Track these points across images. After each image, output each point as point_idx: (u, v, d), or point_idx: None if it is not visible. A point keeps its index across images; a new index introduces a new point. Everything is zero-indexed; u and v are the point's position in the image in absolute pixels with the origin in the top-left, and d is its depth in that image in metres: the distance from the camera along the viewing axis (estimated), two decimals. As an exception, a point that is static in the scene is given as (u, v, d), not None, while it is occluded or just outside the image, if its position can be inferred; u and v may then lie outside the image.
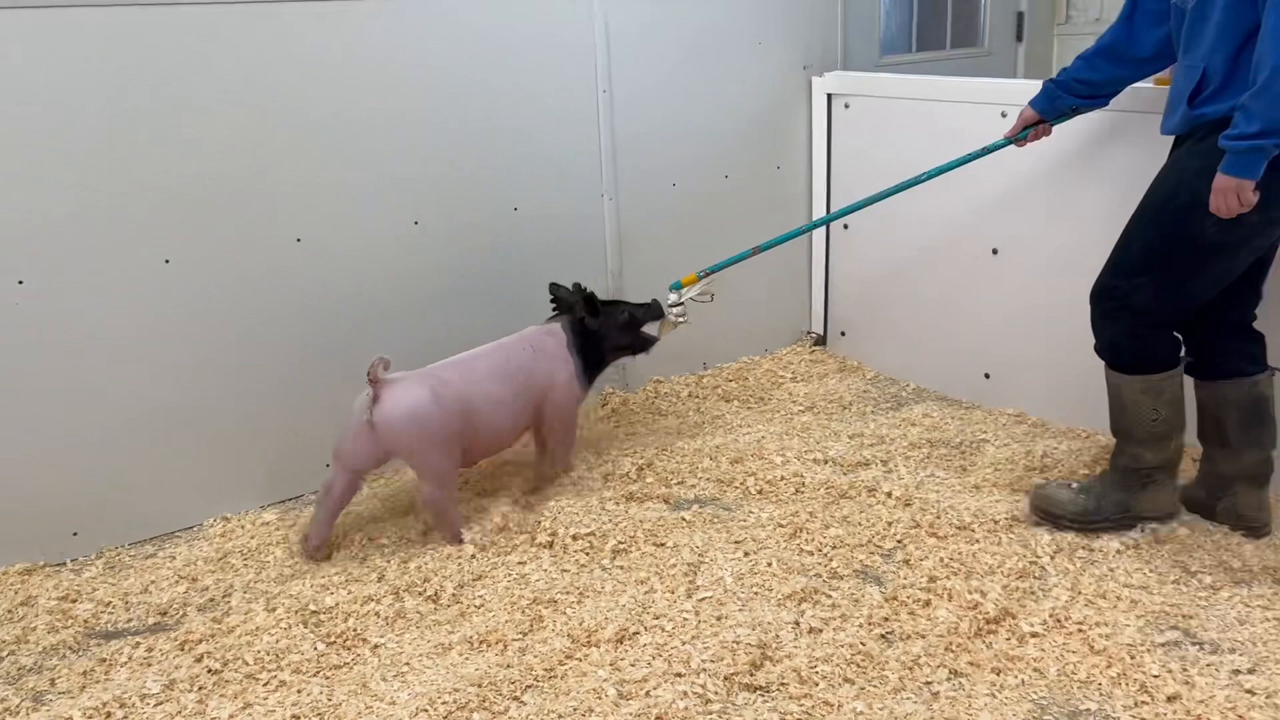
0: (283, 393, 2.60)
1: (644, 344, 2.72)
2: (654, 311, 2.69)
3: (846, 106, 3.30)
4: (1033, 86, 2.54)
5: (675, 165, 3.16)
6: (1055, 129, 2.53)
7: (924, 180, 2.61)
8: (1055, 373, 2.87)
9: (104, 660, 1.99)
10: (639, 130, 3.04)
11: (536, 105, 2.83)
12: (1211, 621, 1.99)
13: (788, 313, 3.59)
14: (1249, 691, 1.78)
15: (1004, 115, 2.80)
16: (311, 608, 2.13)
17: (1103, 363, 2.27)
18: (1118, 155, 2.62)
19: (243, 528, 2.50)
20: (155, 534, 2.49)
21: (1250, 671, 1.83)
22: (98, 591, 2.24)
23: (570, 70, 2.87)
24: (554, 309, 2.69)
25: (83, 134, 2.23)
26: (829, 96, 3.33)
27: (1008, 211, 2.90)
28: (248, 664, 1.96)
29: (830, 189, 3.41)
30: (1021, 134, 2.52)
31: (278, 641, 2.02)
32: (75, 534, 2.39)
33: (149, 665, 1.97)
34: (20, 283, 2.23)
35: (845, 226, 3.41)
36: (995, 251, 2.96)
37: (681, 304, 2.66)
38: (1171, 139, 2.22)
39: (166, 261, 2.38)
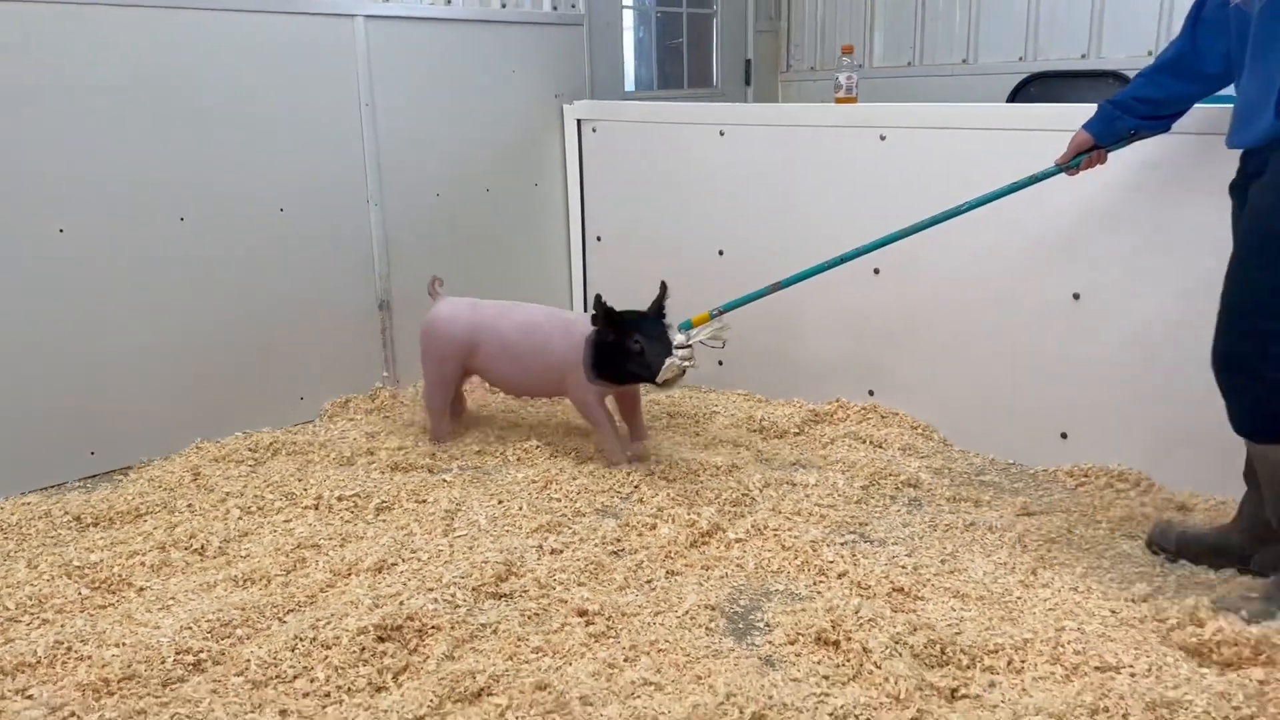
0: (50, 371, 2.66)
1: (645, 376, 2.56)
2: (655, 351, 2.51)
3: (594, 130, 3.70)
4: (740, 110, 3.00)
5: (438, 177, 3.44)
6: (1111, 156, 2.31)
7: (963, 211, 2.43)
8: (779, 359, 3.32)
9: None
10: (401, 142, 3.30)
11: (303, 113, 3.05)
12: (881, 526, 2.41)
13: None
14: (900, 566, 2.19)
15: (721, 134, 3.27)
16: (75, 564, 2.21)
17: (1243, 440, 1.97)
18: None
19: (2, 509, 2.52)
20: (-96, 519, 2.48)
21: (908, 555, 2.25)
22: None
23: (335, 81, 3.11)
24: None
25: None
26: (579, 121, 3.72)
27: (730, 220, 3.35)
28: (9, 609, 2.03)
29: (584, 204, 3.79)
30: (1074, 161, 2.27)
31: (40, 590, 2.10)
32: None
33: (-98, 619, 2.00)
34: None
35: (598, 238, 3.78)
36: (721, 253, 3.40)
37: (689, 346, 2.51)
38: (1237, 155, 2.02)
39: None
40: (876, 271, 3.03)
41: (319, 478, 2.67)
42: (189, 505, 2.53)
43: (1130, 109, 2.18)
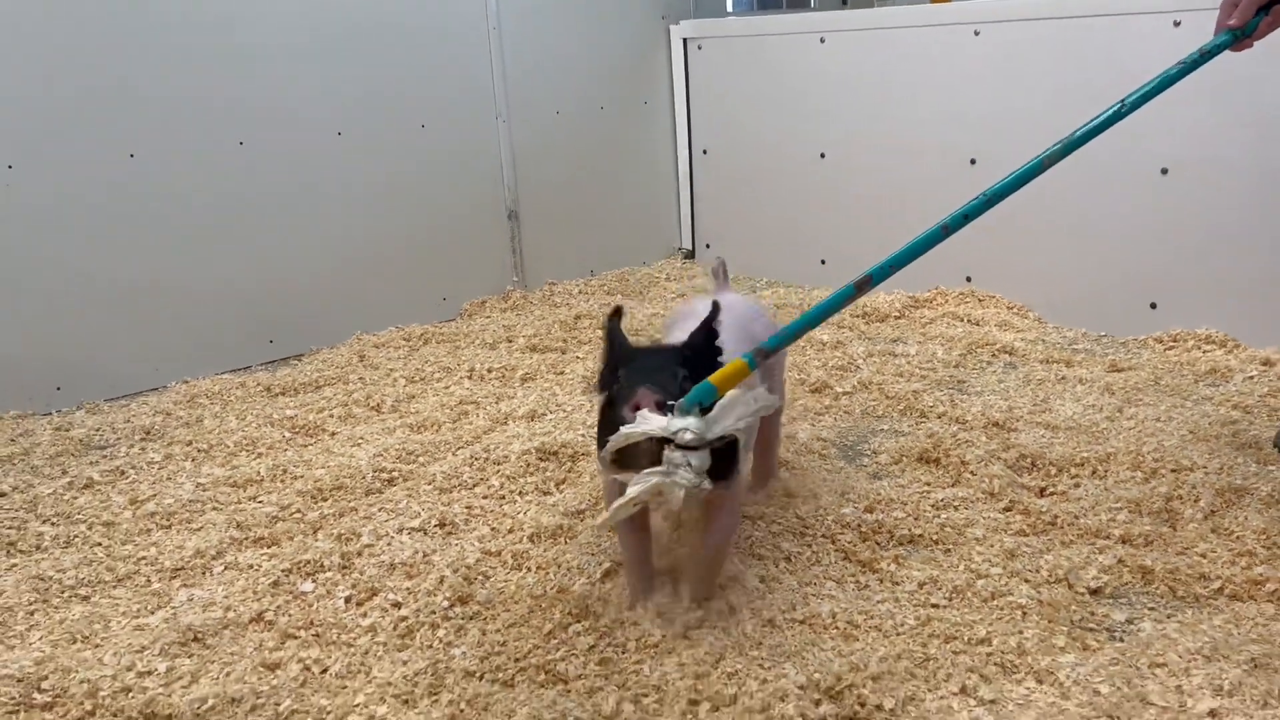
0: (234, 273, 3.06)
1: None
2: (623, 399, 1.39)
3: (699, 48, 3.94)
4: (838, 17, 3.20)
5: (558, 96, 3.74)
6: None
7: (1128, 109, 1.96)
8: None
9: (105, 455, 2.43)
10: (525, 63, 3.61)
11: (438, 37, 3.38)
12: (978, 383, 2.64)
13: (661, 231, 4.19)
14: (996, 409, 2.42)
15: (822, 41, 3.49)
16: (275, 417, 2.60)
17: None
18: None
19: (204, 384, 2.94)
20: (126, 392, 2.91)
21: (1003, 401, 2.48)
22: (88, 422, 2.65)
23: (464, 5, 3.43)
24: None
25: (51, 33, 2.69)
26: (684, 40, 3.97)
27: (830, 119, 3.57)
28: (228, 447, 2.42)
29: (690, 119, 4.05)
30: (1250, 24, 1.75)
31: (251, 434, 2.49)
32: (58, 388, 2.80)
33: (144, 453, 2.41)
34: (10, 167, 2.66)
35: (704, 151, 4.05)
36: (823, 155, 3.63)
37: (691, 447, 1.32)
38: None
39: (131, 155, 2.84)
40: (973, 162, 3.22)
41: (469, 355, 3.03)
42: (360, 378, 2.91)
43: None
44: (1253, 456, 2.04)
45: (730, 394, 1.38)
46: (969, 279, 3.35)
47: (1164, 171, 2.83)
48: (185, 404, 2.77)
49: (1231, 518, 1.79)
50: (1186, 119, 2.74)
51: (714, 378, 1.39)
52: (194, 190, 2.96)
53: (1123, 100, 1.82)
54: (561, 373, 2.88)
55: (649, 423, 1.33)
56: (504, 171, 3.65)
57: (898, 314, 3.27)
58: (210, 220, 3.00)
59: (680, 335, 1.55)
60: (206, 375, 3.01)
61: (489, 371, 2.88)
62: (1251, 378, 2.56)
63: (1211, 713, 1.28)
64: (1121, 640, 1.50)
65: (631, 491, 1.33)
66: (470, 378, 2.86)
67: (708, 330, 1.48)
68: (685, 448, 1.31)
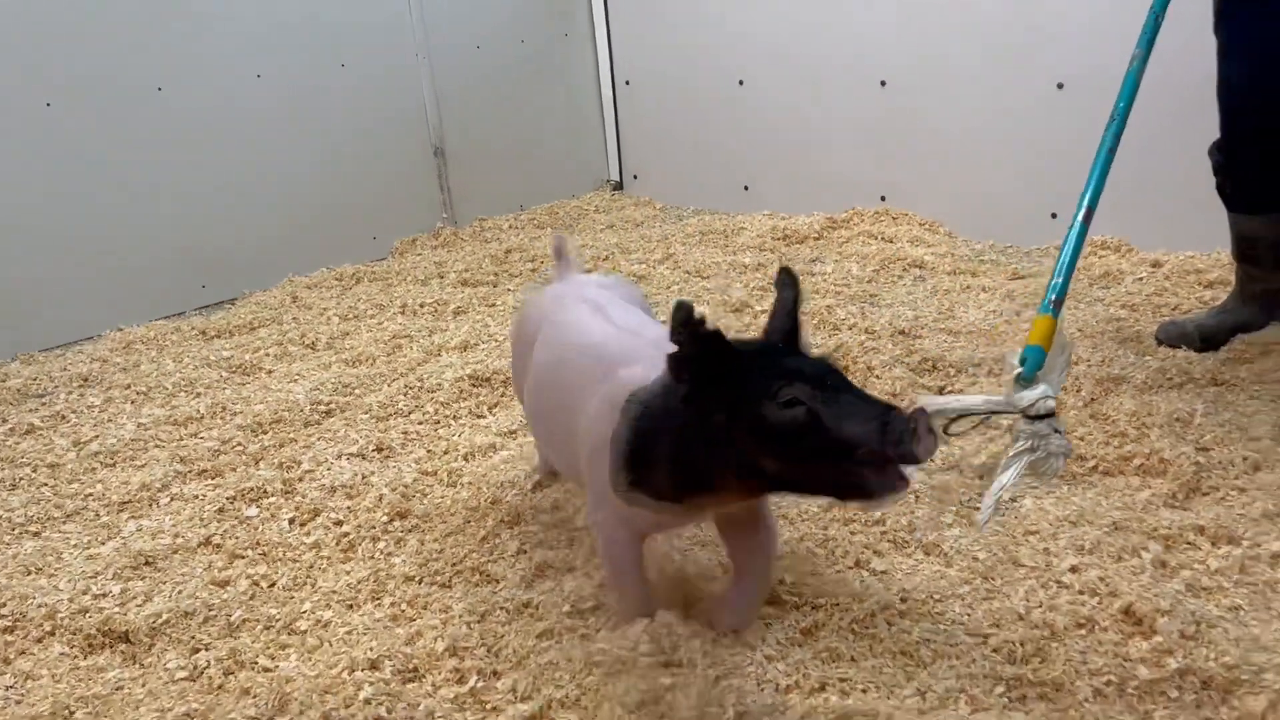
0: (162, 221, 3.08)
1: (859, 492, 1.12)
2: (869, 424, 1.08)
3: (617, -21, 3.98)
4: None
5: (478, 32, 3.77)
6: None
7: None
8: (798, 176, 3.66)
9: (44, 402, 2.47)
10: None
11: (354, -24, 3.39)
12: (888, 296, 2.78)
13: (588, 164, 4.26)
14: (904, 319, 2.56)
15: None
16: (212, 358, 2.66)
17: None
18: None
19: (138, 330, 2.97)
20: (60, 342, 2.93)
21: (911, 311, 2.62)
22: (24, 372, 2.69)
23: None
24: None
25: None
26: (602, -28, 4.00)
27: (753, 44, 3.65)
28: (167, 389, 2.48)
29: (612, 50, 4.09)
30: None
31: (189, 375, 2.55)
32: (-10, 341, 2.83)
33: (84, 398, 2.47)
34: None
35: (627, 83, 4.10)
36: (741, 83, 3.71)
37: (1047, 414, 1.27)
38: None
39: (48, 105, 2.83)
40: (883, 84, 3.34)
41: (401, 292, 3.10)
42: (294, 318, 2.97)
43: None
44: (1133, 349, 2.21)
45: (1049, 354, 1.35)
46: (883, 198, 3.48)
47: (1060, 86, 2.96)
48: (121, 350, 2.81)
49: (1109, 404, 1.95)
50: (1080, 35, 2.87)
51: (1037, 339, 1.36)
52: (115, 139, 2.97)
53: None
54: (493, 305, 2.97)
55: (964, 401, 1.30)
56: (428, 109, 3.67)
57: (816, 235, 3.40)
58: (133, 169, 3.01)
59: (597, 318, 1.42)
60: (141, 323, 3.05)
61: (421, 306, 2.96)
62: (1140, 279, 2.73)
63: (1073, 568, 1.44)
64: (1003, 515, 1.65)
65: (1006, 478, 1.23)
66: (403, 313, 2.93)
67: (791, 314, 1.27)
68: (1047, 416, 1.24)
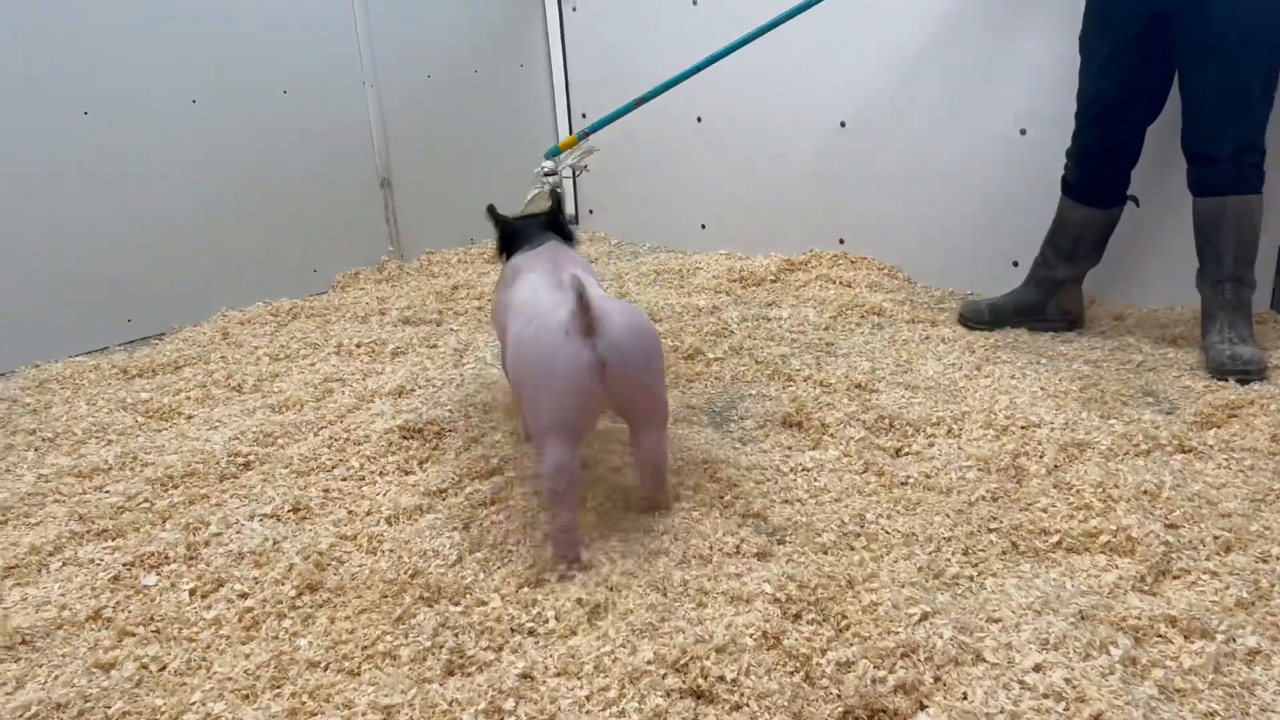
0: (87, 251, 2.91)
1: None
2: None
3: (574, 9, 3.87)
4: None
5: (429, 60, 3.64)
6: None
7: (764, 31, 2.75)
8: (756, 216, 3.56)
9: (-60, 448, 2.29)
10: (392, 25, 3.49)
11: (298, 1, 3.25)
12: (845, 344, 2.68)
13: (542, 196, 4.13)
14: (860, 370, 2.46)
15: (694, 3, 3.46)
16: (129, 400, 2.49)
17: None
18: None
19: (55, 367, 2.79)
20: (-32, 378, 2.75)
21: (867, 362, 2.52)
22: (-78, 412, 2.50)
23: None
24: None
25: None
26: (559, 1, 3.89)
27: (706, 83, 3.54)
28: (76, 435, 2.31)
29: (569, 82, 3.99)
30: None
31: (101, 420, 2.38)
32: (-110, 377, 2.63)
33: (-16, 445, 2.29)
34: None
35: (584, 115, 3.99)
36: (699, 119, 3.62)
37: (555, 173, 2.43)
38: None
39: None
40: (843, 125, 3.25)
41: (338, 330, 2.95)
42: (222, 357, 2.80)
43: None
44: (1097, 411, 2.11)
45: (565, 150, 2.50)
46: (842, 241, 3.39)
47: (1023, 132, 2.89)
48: (34, 389, 2.63)
49: (1073, 472, 1.85)
50: (1043, 81, 2.80)
51: (564, 145, 2.50)
52: (40, 165, 2.80)
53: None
54: (434, 345, 2.83)
55: (544, 168, 2.45)
56: (374, 139, 3.54)
57: (773, 278, 3.30)
58: (59, 195, 2.84)
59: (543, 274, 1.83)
60: (60, 358, 2.87)
61: (358, 346, 2.81)
62: (1104, 332, 2.66)
63: (1037, 667, 1.32)
64: (966, 595, 1.54)
65: (536, 195, 2.39)
66: (338, 354, 2.78)
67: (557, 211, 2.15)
68: (550, 174, 2.44)
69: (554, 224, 2.10)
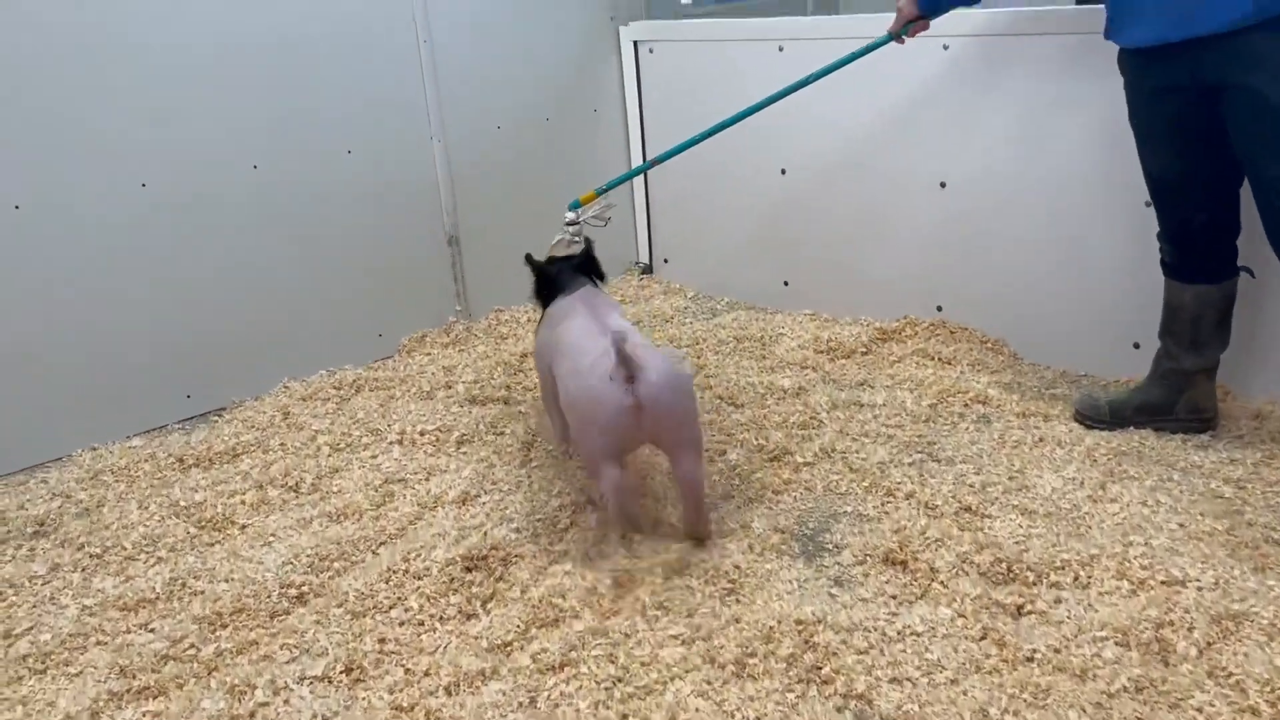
0: (144, 326, 2.79)
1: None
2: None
3: (651, 51, 3.66)
4: (799, 24, 2.93)
5: (498, 109, 3.46)
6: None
7: (794, 90, 2.72)
8: (845, 276, 3.31)
9: (-12, 561, 2.19)
10: (460, 76, 3.32)
11: (362, 54, 3.09)
12: (949, 445, 2.44)
13: (616, 245, 3.93)
14: (968, 485, 2.22)
15: (780, 50, 3.22)
16: (182, 504, 2.37)
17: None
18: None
19: (111, 453, 2.69)
20: (24, 465, 2.66)
21: (976, 473, 2.28)
22: (-26, 511, 2.41)
23: (391, 18, 3.13)
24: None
25: None
26: (635, 43, 3.68)
27: (793, 134, 3.31)
28: (125, 549, 2.19)
29: (644, 128, 3.78)
30: (903, 30, 2.58)
31: (152, 530, 2.26)
32: (-55, 467, 2.55)
33: (33, 560, 2.18)
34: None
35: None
36: (784, 172, 3.38)
37: (578, 224, 2.60)
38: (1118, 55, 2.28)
39: (17, 207, 2.56)
40: (943, 185, 2.99)
41: (401, 413, 2.79)
42: (281, 444, 2.67)
43: None
44: (1249, 562, 1.85)
45: (585, 205, 2.62)
46: (940, 308, 3.13)
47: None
48: (88, 482, 2.53)
49: (1229, 655, 1.60)
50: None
51: (580, 199, 2.62)
52: (95, 239, 2.69)
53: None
54: (501, 434, 2.66)
55: (565, 219, 2.59)
56: (441, 195, 3.38)
57: (864, 349, 3.05)
58: (116, 270, 2.73)
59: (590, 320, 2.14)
60: (116, 440, 2.77)
61: (421, 435, 2.65)
62: (1242, 437, 2.37)
63: None
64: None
65: (558, 241, 2.59)
66: (400, 443, 2.63)
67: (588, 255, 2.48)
68: (571, 224, 2.59)
69: (585, 267, 2.44)
